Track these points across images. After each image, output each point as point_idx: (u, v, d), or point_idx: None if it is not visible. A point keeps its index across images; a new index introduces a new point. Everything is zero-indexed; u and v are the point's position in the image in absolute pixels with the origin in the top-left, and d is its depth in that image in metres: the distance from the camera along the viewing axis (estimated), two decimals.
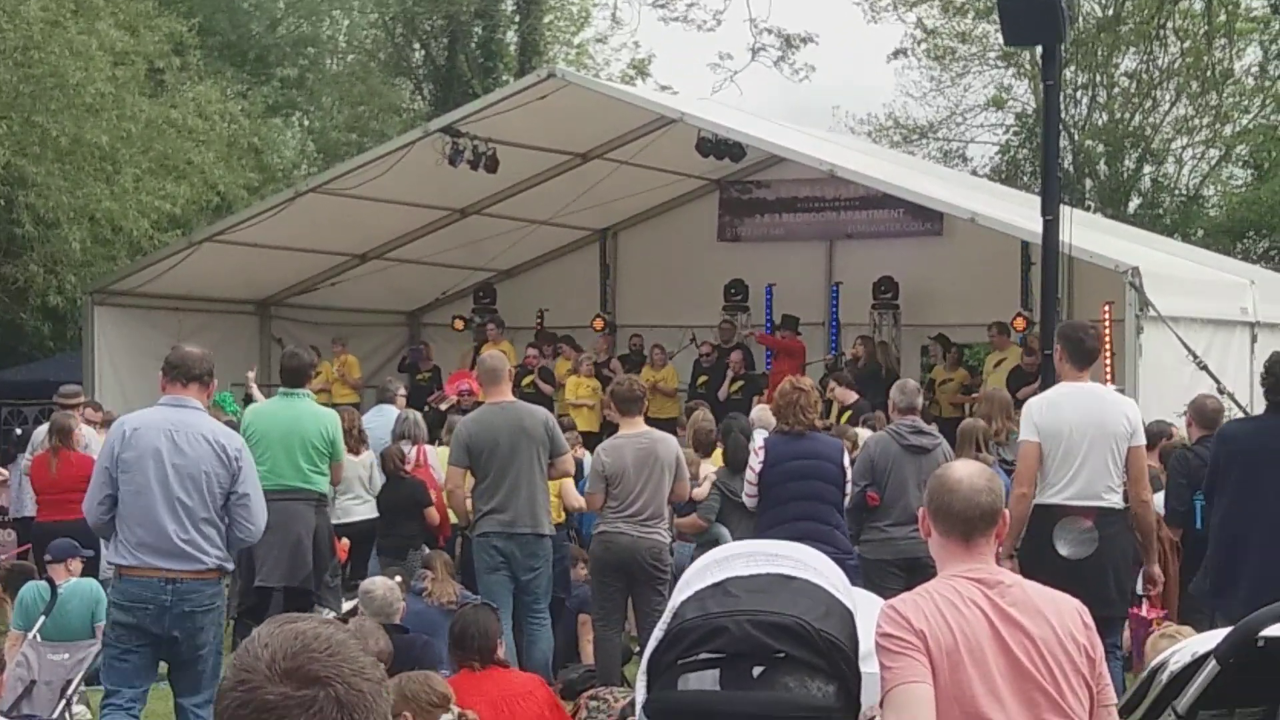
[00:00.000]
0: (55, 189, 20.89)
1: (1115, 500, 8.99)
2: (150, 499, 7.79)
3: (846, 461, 10.74)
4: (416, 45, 36.64)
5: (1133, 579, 9.59)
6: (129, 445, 7.87)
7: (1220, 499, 9.22)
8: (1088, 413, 8.95)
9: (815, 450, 10.45)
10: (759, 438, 11.32)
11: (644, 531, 10.63)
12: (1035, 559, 8.69)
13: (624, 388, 11.26)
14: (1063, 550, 8.78)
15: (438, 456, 13.68)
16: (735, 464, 11.98)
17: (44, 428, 14.92)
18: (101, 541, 9.47)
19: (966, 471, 4.45)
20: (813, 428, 10.57)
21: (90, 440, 15.05)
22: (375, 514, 13.23)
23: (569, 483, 12.35)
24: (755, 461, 10.49)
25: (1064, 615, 4.28)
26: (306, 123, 32.80)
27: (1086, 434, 8.90)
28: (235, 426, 10.03)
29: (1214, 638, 5.14)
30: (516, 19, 36.37)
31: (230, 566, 8.37)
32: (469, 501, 10.79)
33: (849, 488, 10.62)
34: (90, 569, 11.82)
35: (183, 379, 8.02)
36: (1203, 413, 11.20)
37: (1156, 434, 13.11)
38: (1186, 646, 5.30)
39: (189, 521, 7.80)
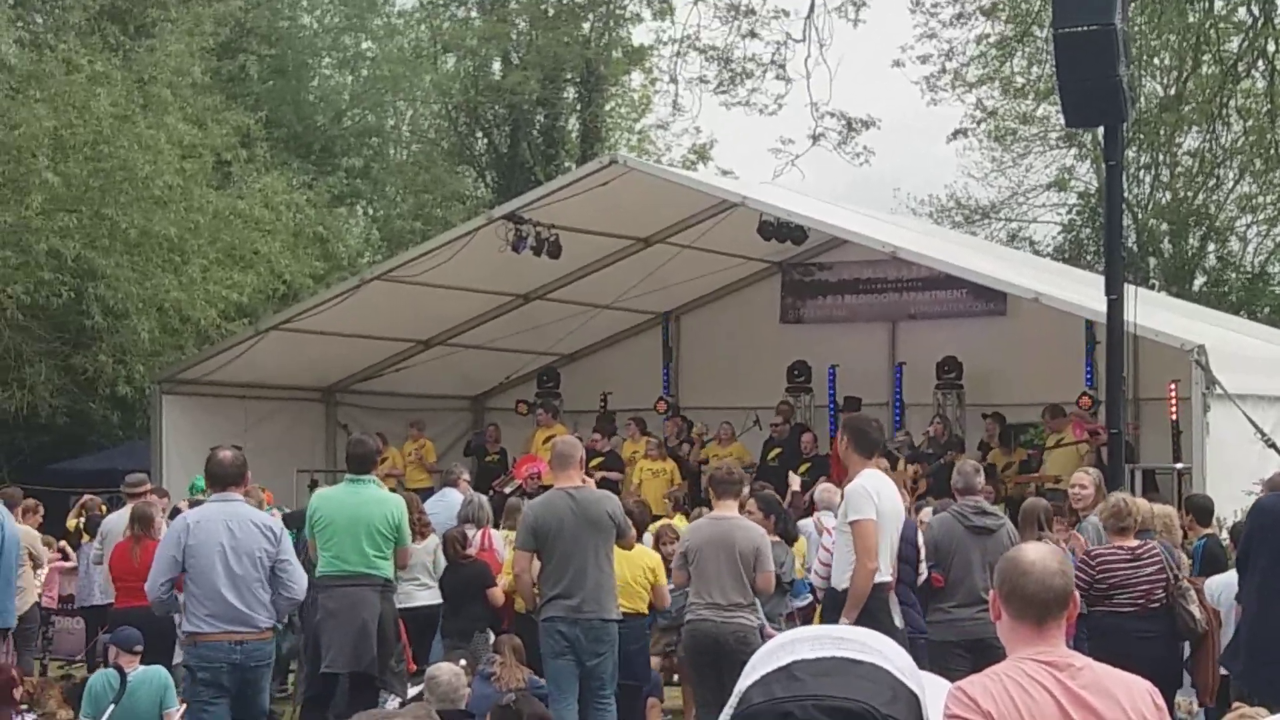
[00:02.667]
0: (124, 280, 21.13)
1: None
2: (215, 576, 9.39)
3: (920, 541, 10.69)
4: (479, 133, 36.97)
5: None
6: (194, 534, 9.52)
7: (1251, 573, 9.21)
8: (895, 497, 9.90)
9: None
10: (828, 519, 11.29)
11: (726, 617, 10.47)
12: (872, 629, 8.92)
13: (722, 471, 11.33)
14: (897, 621, 9.54)
15: (503, 540, 13.72)
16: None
17: (118, 515, 15.00)
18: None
19: (1039, 554, 4.41)
20: None
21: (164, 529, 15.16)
22: (438, 599, 13.23)
23: (664, 579, 12.14)
24: (829, 541, 10.45)
25: (1135, 697, 4.24)
26: (371, 211, 33.11)
27: (894, 517, 9.78)
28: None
29: None
30: (578, 106, 36.67)
31: (279, 626, 9.91)
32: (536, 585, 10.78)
33: (923, 568, 10.55)
34: (154, 654, 11.77)
35: (222, 484, 9.78)
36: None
37: (1204, 510, 13.03)
38: None
39: (247, 592, 9.42)
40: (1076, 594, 4.39)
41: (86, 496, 18.24)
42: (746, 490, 12.65)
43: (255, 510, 10.09)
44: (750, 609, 10.68)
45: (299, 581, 9.68)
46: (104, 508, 17.77)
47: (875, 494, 9.59)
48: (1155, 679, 8.59)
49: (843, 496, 10.13)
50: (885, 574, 9.61)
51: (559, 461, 10.90)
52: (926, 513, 13.76)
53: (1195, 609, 10.11)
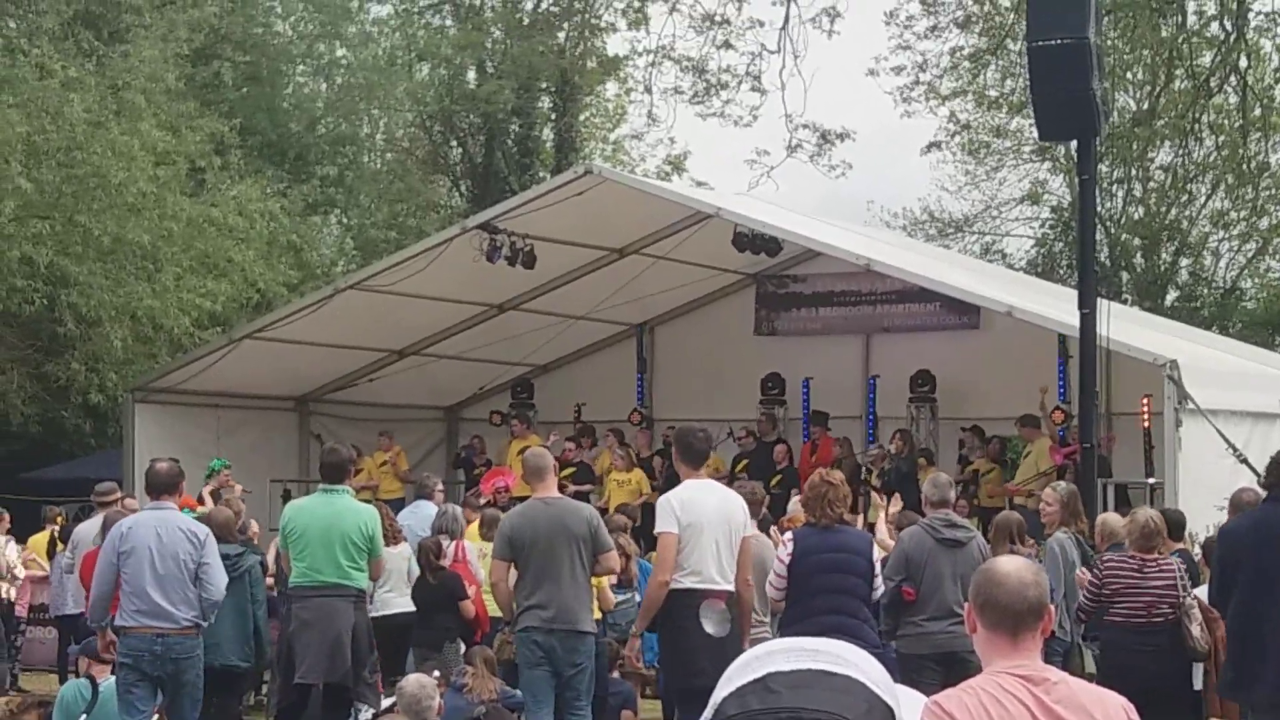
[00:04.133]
0: (97, 288, 21.07)
1: (731, 585, 9.97)
2: (143, 577, 10.27)
3: (876, 555, 10.70)
4: (454, 143, 36.96)
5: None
6: (126, 540, 10.40)
7: (1235, 595, 9.28)
8: (717, 506, 9.96)
9: (844, 544, 10.40)
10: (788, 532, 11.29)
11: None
12: (678, 637, 9.76)
13: (745, 489, 11.61)
14: (709, 629, 9.69)
15: (476, 551, 13.70)
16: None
17: (88, 524, 14.94)
18: None
19: (1014, 566, 4.43)
20: (841, 521, 10.55)
21: None
22: (412, 606, 13.22)
23: (605, 582, 12.28)
24: (784, 553, 10.45)
25: (1109, 713, 4.25)
26: (345, 220, 33.06)
27: (715, 525, 9.84)
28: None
29: None
30: (553, 116, 36.67)
31: (203, 624, 10.55)
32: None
33: (878, 582, 10.56)
34: None
35: (156, 492, 10.68)
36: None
37: (1176, 524, 13.12)
38: None
39: (171, 591, 10.30)
40: (1051, 607, 4.40)
41: (49, 510, 18.11)
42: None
43: (182, 517, 10.87)
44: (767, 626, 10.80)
45: (217, 583, 10.52)
46: (60, 518, 17.72)
47: (679, 506, 9.87)
48: (1156, 694, 8.62)
49: None
50: (688, 582, 9.81)
51: (532, 473, 10.86)
52: (881, 527, 13.79)
53: (1195, 627, 10.15)
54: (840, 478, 10.87)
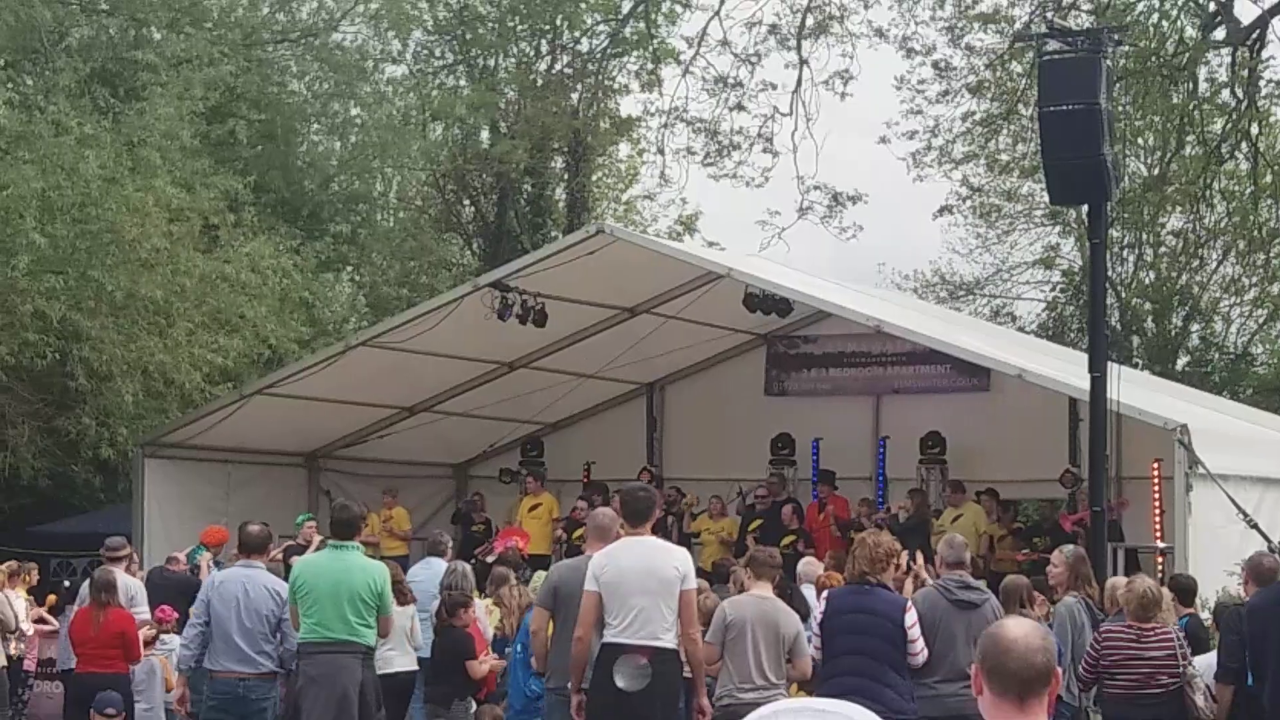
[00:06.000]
0: (109, 342, 21.10)
1: (669, 640, 9.93)
2: (230, 627, 11.50)
3: (908, 621, 10.63)
4: (466, 202, 37.05)
5: (681, 712, 10.34)
6: (216, 592, 11.65)
7: (1269, 671, 9.24)
8: (641, 561, 9.96)
9: (870, 606, 10.37)
10: (809, 592, 11.30)
11: (762, 697, 10.31)
12: (597, 690, 9.84)
13: (763, 554, 11.68)
14: (619, 682, 9.72)
15: (484, 610, 13.68)
16: None
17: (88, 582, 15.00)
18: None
19: (1022, 631, 4.40)
20: (879, 583, 10.48)
21: (136, 592, 15.10)
22: (414, 665, 13.23)
23: None
24: (817, 612, 10.44)
25: None
26: (358, 277, 33.12)
27: (640, 581, 9.87)
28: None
29: None
30: (566, 176, 36.79)
31: (280, 671, 11.61)
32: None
33: (917, 646, 10.47)
34: None
35: (248, 552, 12.05)
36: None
37: (1187, 589, 13.09)
38: None
39: (254, 641, 11.50)
40: (1059, 670, 4.38)
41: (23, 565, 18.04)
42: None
43: (269, 575, 12.03)
44: (782, 690, 10.76)
45: (294, 635, 11.41)
46: (32, 575, 17.69)
47: (600, 566, 9.98)
48: None
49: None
50: (609, 636, 9.91)
51: (597, 532, 10.88)
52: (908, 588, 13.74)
53: (1199, 697, 10.10)
54: (889, 539, 10.82)
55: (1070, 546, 13.06)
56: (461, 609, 12.63)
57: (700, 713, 10.29)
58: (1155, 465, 17.43)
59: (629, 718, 9.89)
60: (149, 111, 23.32)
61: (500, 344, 21.25)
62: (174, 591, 15.97)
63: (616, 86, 36.14)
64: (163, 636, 15.40)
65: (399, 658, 13.25)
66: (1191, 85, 30.10)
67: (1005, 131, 33.62)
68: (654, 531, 20.87)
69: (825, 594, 10.71)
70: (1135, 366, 30.66)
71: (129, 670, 13.89)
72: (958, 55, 31.95)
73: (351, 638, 11.12)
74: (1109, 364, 14.33)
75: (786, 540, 20.27)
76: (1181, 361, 37.27)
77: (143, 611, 15.03)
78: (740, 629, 10.80)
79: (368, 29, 31.10)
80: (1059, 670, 4.38)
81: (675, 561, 10.12)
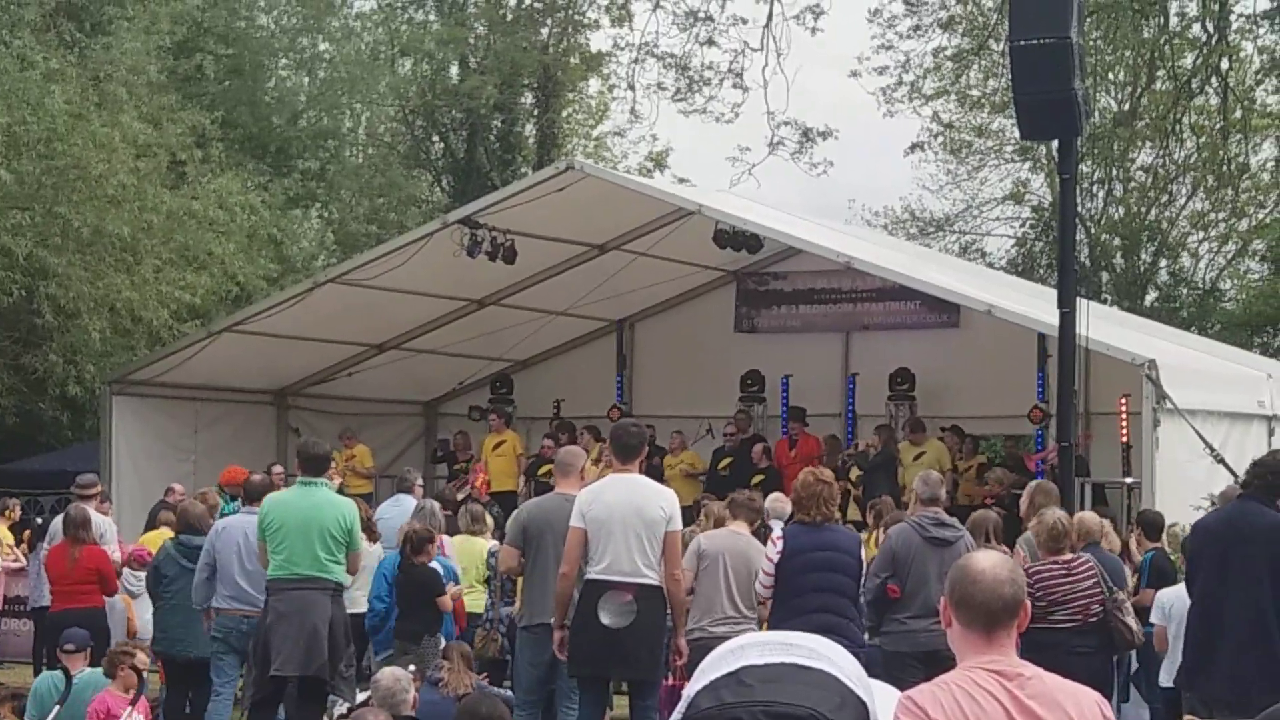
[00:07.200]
0: (76, 279, 20.99)
1: (652, 577, 9.94)
2: (233, 569, 12.17)
3: (864, 555, 10.72)
4: (436, 138, 36.89)
5: (665, 649, 10.40)
6: (220, 538, 12.33)
7: (1194, 588, 9.35)
8: (628, 499, 9.97)
9: (834, 542, 10.45)
10: (777, 528, 11.32)
11: (732, 631, 10.27)
12: (580, 626, 9.88)
13: (743, 496, 11.98)
14: (604, 619, 9.78)
15: (454, 546, 13.69)
16: None
17: (60, 519, 14.95)
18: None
19: (989, 562, 4.40)
20: (832, 519, 10.57)
21: (106, 530, 15.08)
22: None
23: None
24: (773, 551, 10.47)
25: (1083, 707, 4.25)
26: (326, 214, 32.98)
27: (624, 518, 9.88)
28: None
29: None
30: (535, 112, 36.64)
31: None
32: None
33: (865, 581, 10.58)
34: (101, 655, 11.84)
35: (249, 499, 12.73)
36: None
37: (1154, 524, 13.17)
38: None
39: (256, 581, 11.82)
40: (1027, 603, 4.39)
41: (4, 501, 17.96)
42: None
43: None
44: (753, 623, 10.92)
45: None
46: (11, 510, 17.60)
47: (587, 502, 9.99)
48: None
49: None
50: (593, 573, 9.91)
51: (559, 469, 11.07)
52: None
53: (1131, 620, 10.14)
54: (831, 476, 10.92)
55: (1039, 480, 13.11)
56: (428, 544, 12.62)
57: (677, 653, 10.35)
58: (1123, 400, 17.49)
59: (614, 654, 9.93)
60: (115, 46, 23.14)
61: (469, 281, 21.18)
62: None
63: (586, 21, 35.99)
64: (130, 575, 15.35)
65: (364, 598, 13.26)
66: (1162, 20, 30.09)
67: (976, 66, 33.58)
68: None
69: (778, 533, 10.73)
70: (1104, 302, 30.75)
71: (104, 605, 13.95)
72: None
73: (321, 574, 11.12)
74: (1078, 299, 14.33)
75: (756, 479, 20.31)
76: (1150, 297, 37.40)
77: (113, 549, 15.03)
78: (713, 559, 10.91)
79: None
80: (1027, 603, 4.38)
81: (662, 501, 10.14)
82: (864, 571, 10.55)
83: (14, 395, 22.62)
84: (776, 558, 10.39)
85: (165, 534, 14.43)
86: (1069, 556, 10.16)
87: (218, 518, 13.50)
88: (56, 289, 21.00)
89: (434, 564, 12.60)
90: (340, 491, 13.19)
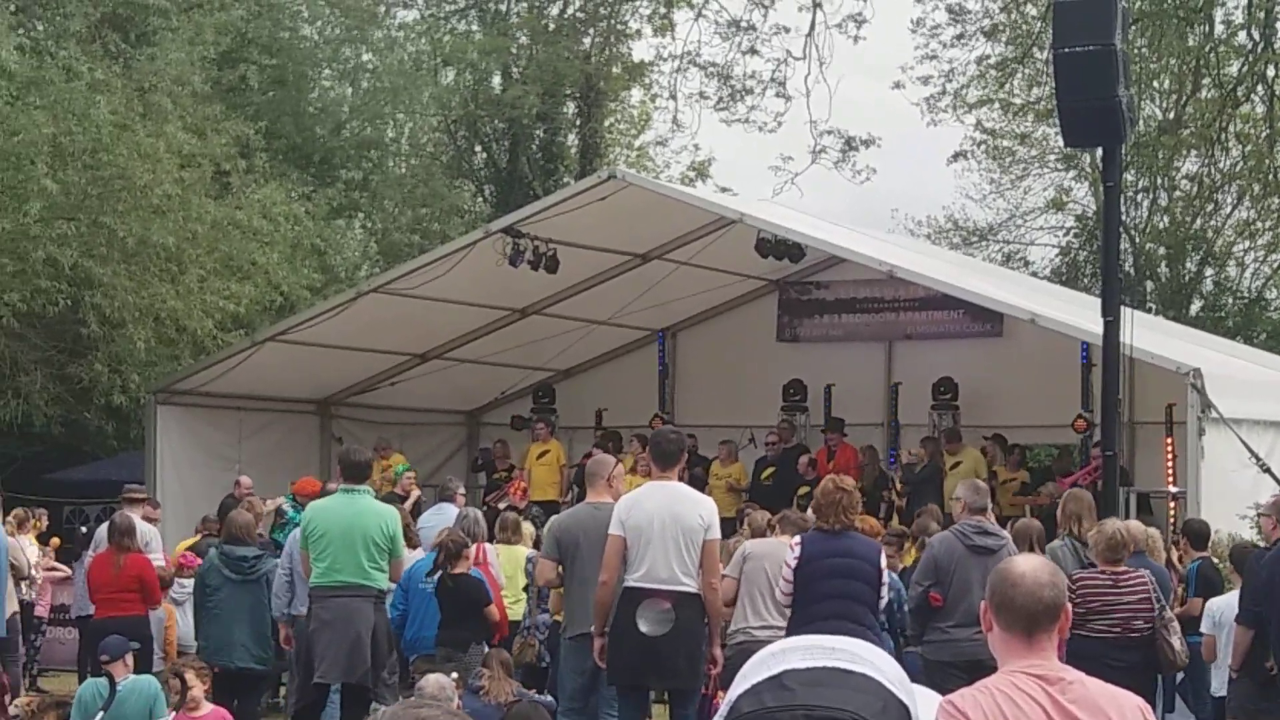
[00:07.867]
0: (121, 289, 21.09)
1: (690, 585, 9.94)
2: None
3: (883, 563, 10.67)
4: (478, 148, 36.97)
5: (704, 658, 10.28)
6: (294, 546, 12.22)
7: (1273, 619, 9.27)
8: (665, 507, 9.97)
9: (851, 550, 10.40)
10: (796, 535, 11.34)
11: (776, 636, 10.34)
12: (618, 634, 9.85)
13: (796, 515, 11.97)
14: (642, 627, 9.79)
15: (496, 554, 13.71)
16: None
17: (105, 528, 14.99)
18: None
19: (1030, 565, 4.38)
20: (852, 527, 10.53)
21: (151, 538, 15.13)
22: None
23: None
24: (790, 558, 10.45)
25: (1126, 713, 4.22)
26: (369, 224, 33.08)
27: (662, 525, 9.88)
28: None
29: None
30: (578, 122, 36.67)
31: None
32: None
33: (884, 590, 10.53)
34: (142, 663, 11.88)
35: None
36: None
37: (1199, 534, 13.07)
38: None
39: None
40: (1069, 607, 4.36)
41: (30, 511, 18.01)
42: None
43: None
44: None
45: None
46: (37, 521, 17.66)
47: (626, 510, 10.00)
48: None
49: None
50: (632, 581, 9.92)
51: (589, 478, 11.11)
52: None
53: (1176, 640, 10.06)
54: (852, 483, 10.87)
55: (1075, 490, 13.05)
56: (466, 552, 12.66)
57: (712, 663, 10.32)
58: (1168, 410, 17.39)
59: (652, 661, 9.93)
60: (160, 57, 23.25)
61: (512, 290, 21.21)
62: None
63: (629, 31, 36.00)
64: (180, 581, 15.41)
65: None
66: (1208, 27, 29.92)
67: (1020, 75, 33.48)
68: None
69: (798, 539, 10.69)
70: (1149, 311, 30.57)
71: (147, 613, 13.93)
72: None
73: (364, 581, 11.15)
74: (1122, 308, 14.26)
75: (803, 490, 20.23)
76: (1195, 306, 37.18)
77: (158, 558, 15.08)
78: (758, 562, 10.92)
79: None
80: (1068, 607, 4.35)
81: (701, 510, 10.15)
82: (882, 580, 10.48)
83: (60, 405, 22.75)
84: (794, 563, 10.39)
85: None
86: (1122, 569, 10.11)
87: (288, 527, 13.51)
88: (102, 299, 21.11)
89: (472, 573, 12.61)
90: (390, 500, 13.22)
